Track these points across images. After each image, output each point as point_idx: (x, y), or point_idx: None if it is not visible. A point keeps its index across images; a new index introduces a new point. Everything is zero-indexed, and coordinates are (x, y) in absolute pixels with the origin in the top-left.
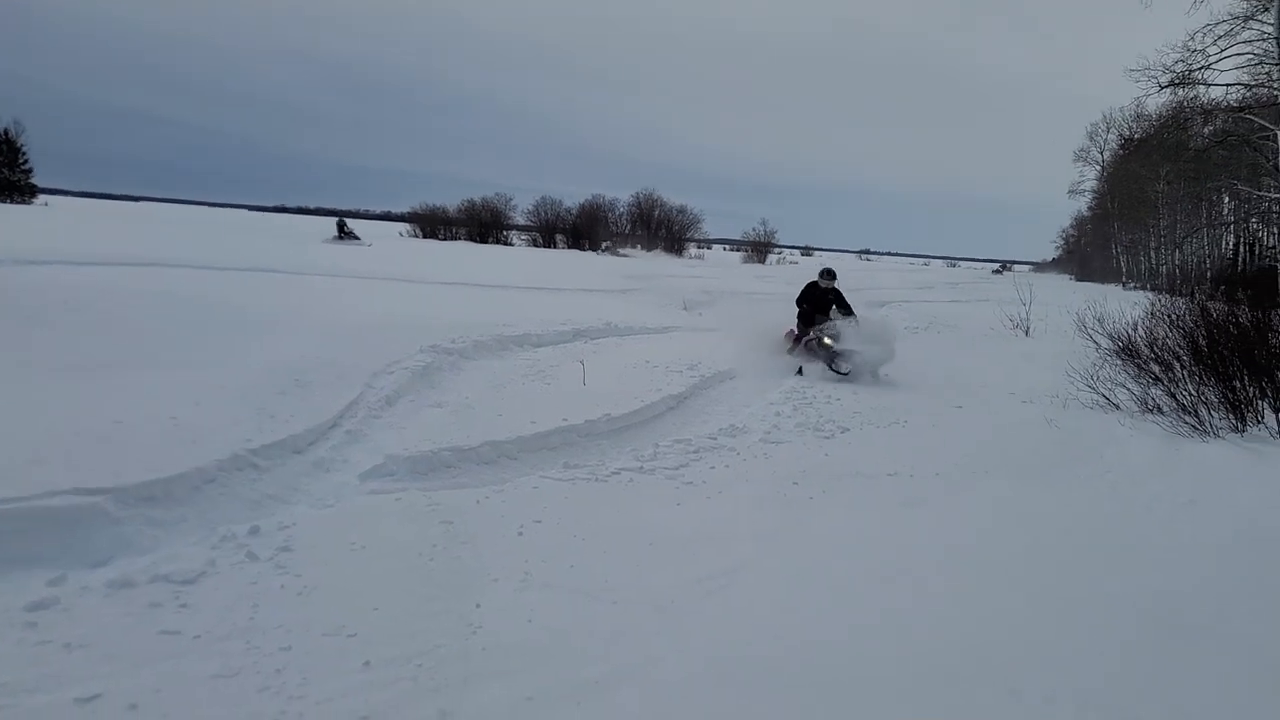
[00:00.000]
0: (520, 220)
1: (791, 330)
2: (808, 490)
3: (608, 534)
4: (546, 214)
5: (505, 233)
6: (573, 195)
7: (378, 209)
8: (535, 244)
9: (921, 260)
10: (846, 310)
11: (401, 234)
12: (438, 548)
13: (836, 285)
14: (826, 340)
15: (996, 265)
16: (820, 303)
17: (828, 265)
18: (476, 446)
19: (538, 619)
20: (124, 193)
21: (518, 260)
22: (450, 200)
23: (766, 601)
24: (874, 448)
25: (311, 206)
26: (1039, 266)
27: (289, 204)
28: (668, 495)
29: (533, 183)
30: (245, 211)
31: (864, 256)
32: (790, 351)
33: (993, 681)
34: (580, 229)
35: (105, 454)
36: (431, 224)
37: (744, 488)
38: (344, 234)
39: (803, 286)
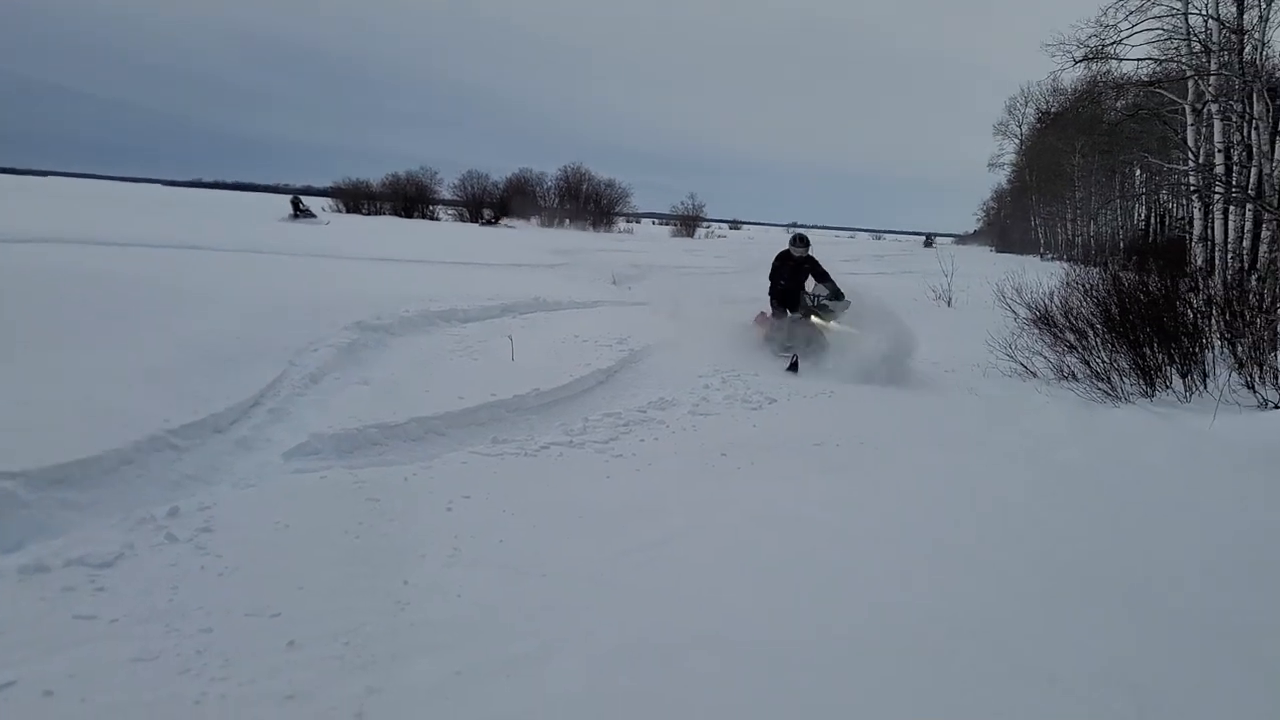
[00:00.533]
0: (446, 195)
1: (763, 314)
2: (735, 461)
3: (537, 508)
4: (473, 188)
5: (431, 207)
6: (500, 170)
7: (298, 183)
8: (462, 219)
9: (848, 233)
10: (829, 284)
11: (324, 209)
12: (364, 525)
13: (811, 253)
14: (815, 319)
15: (925, 237)
16: (793, 277)
17: (799, 231)
18: (403, 423)
19: (467, 594)
20: (26, 167)
21: (444, 235)
22: (374, 175)
23: (696, 573)
24: (801, 418)
25: (229, 181)
26: (961, 238)
27: (205, 178)
28: (597, 469)
29: (460, 157)
30: (160, 186)
31: (792, 229)
32: (766, 340)
33: (918, 647)
34: (507, 203)
35: (14, 437)
36: (355, 199)
37: (673, 460)
38: (300, 212)
39: (771, 261)
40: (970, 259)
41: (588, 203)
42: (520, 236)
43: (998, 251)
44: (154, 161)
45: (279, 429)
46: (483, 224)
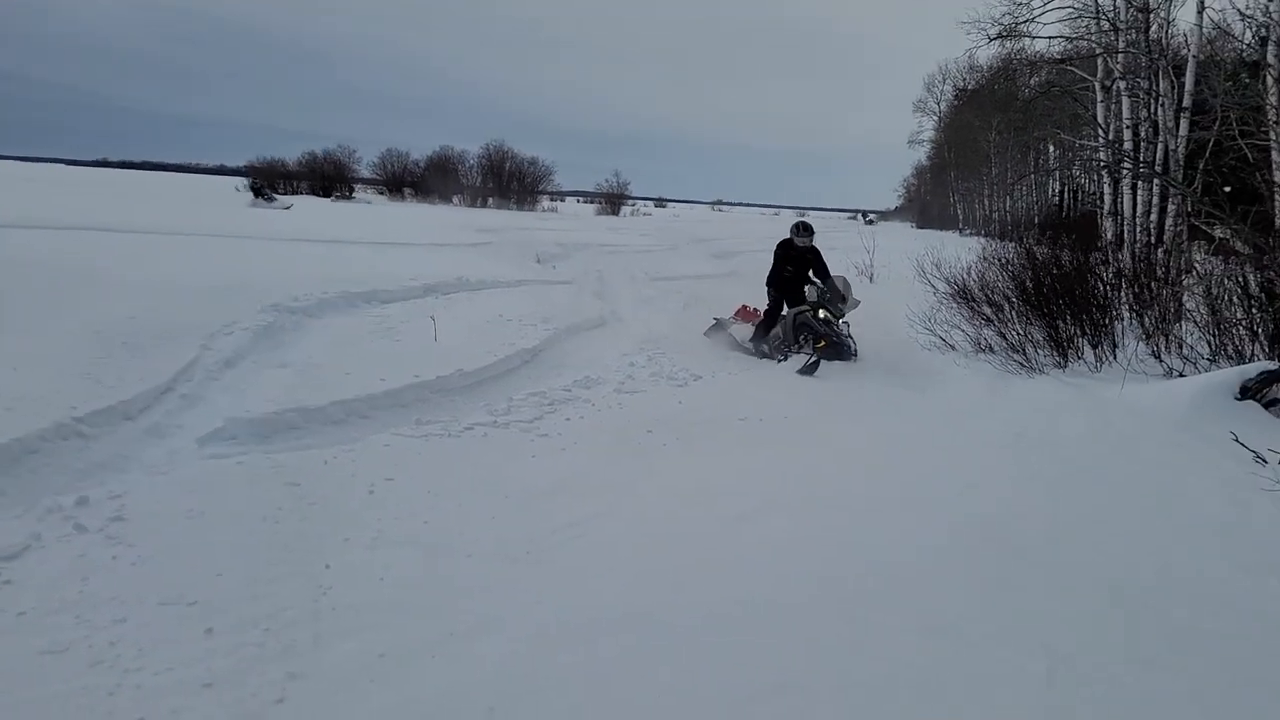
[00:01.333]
0: (366, 173)
1: (747, 308)
2: (661, 438)
3: (462, 489)
4: (393, 166)
5: (350, 186)
6: (421, 148)
7: (210, 162)
8: (382, 198)
9: (773, 210)
10: (829, 282)
11: (238, 189)
12: (284, 510)
13: (815, 243)
14: (825, 313)
15: (864, 215)
16: (798, 268)
17: (802, 219)
18: (324, 406)
19: (391, 576)
20: None
21: (364, 215)
22: (289, 153)
23: (622, 550)
24: (727, 394)
25: (137, 160)
26: (883, 215)
27: (111, 158)
28: (523, 448)
29: (380, 135)
30: (62, 166)
31: (717, 207)
32: (754, 340)
33: (838, 609)
34: (429, 182)
35: None
36: (270, 178)
37: (598, 438)
38: (263, 197)
39: (775, 249)
40: (892, 234)
41: (511, 181)
42: (442, 215)
43: (918, 227)
44: (52, 139)
45: (192, 415)
46: (336, 199)
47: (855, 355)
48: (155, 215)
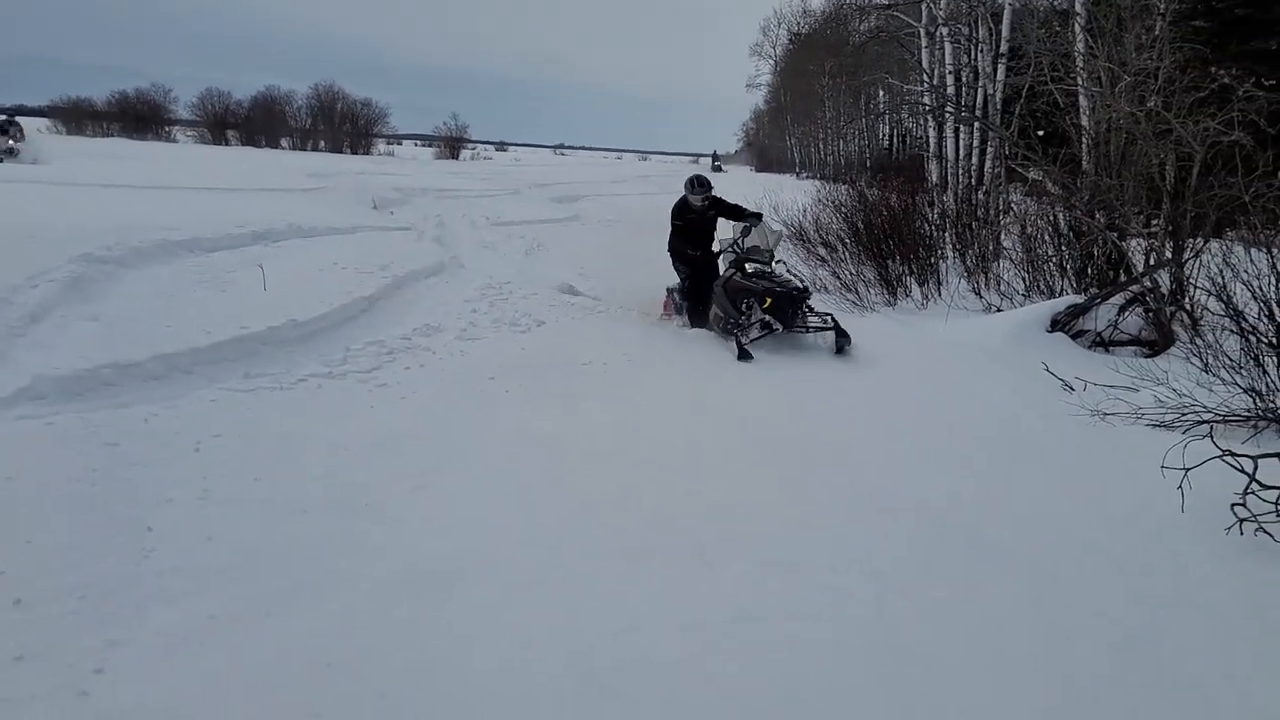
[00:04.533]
0: (184, 115)
1: (670, 300)
2: (503, 384)
3: (295, 443)
4: (214, 107)
5: (168, 128)
6: (244, 88)
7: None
8: (204, 140)
9: (615, 154)
10: (742, 218)
11: (41, 130)
12: (100, 472)
13: (715, 194)
14: (751, 267)
15: (713, 160)
16: (702, 234)
17: (696, 173)
18: (143, 361)
19: (220, 536)
20: None
21: (183, 159)
22: (98, 92)
23: (465, 499)
24: (569, 340)
25: None
26: (723, 159)
27: None
28: (360, 399)
29: (199, 75)
30: None
31: (559, 151)
32: (679, 321)
33: (685, 551)
34: (255, 124)
35: None
36: (77, 118)
37: (439, 387)
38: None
39: (671, 215)
40: (732, 179)
41: (343, 123)
42: (269, 159)
43: (757, 171)
44: None
45: None
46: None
47: (808, 293)
48: None
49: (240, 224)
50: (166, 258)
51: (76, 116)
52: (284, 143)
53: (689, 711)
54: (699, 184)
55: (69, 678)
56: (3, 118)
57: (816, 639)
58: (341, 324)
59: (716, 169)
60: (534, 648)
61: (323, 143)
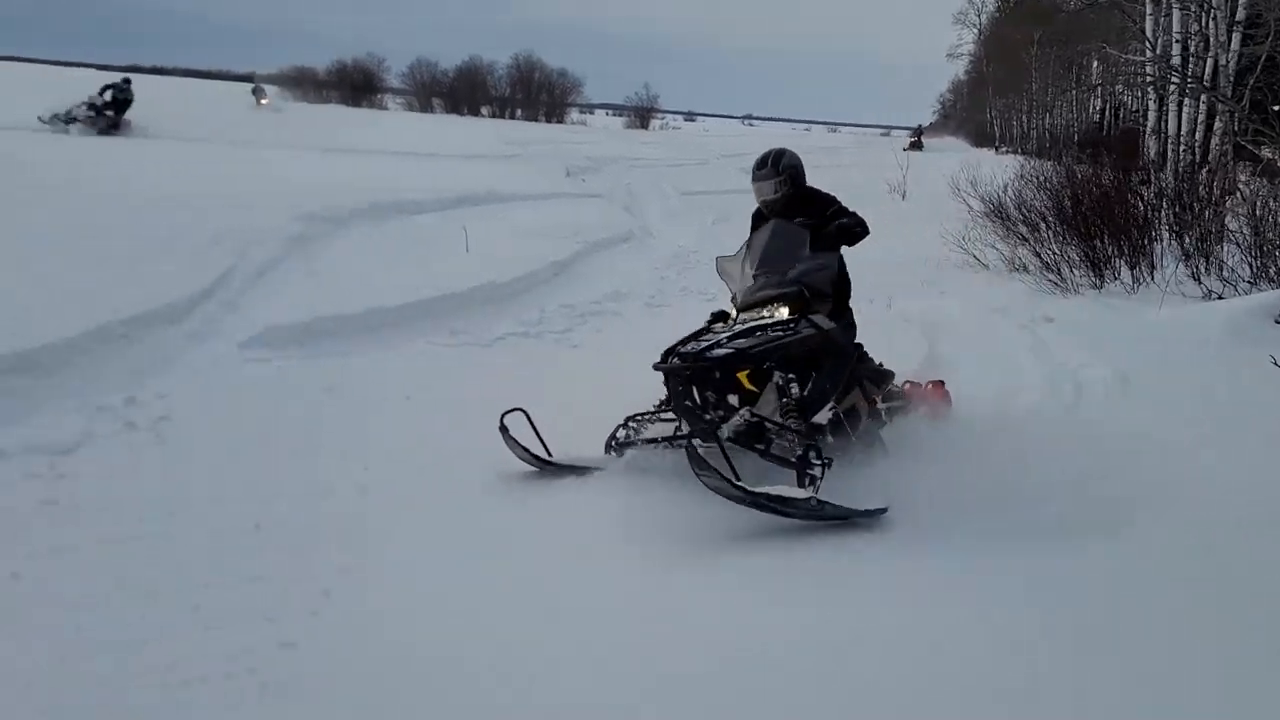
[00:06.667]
0: (395, 84)
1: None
2: None
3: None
4: (422, 76)
5: (379, 96)
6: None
7: (240, 69)
8: (411, 108)
9: (804, 126)
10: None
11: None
12: (321, 414)
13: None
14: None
15: (916, 132)
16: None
17: (769, 149)
18: (360, 314)
19: (429, 477)
20: None
21: (394, 125)
22: (318, 61)
23: None
24: None
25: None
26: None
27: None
28: (556, 357)
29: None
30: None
31: (747, 122)
32: None
33: None
34: (459, 92)
35: None
36: (300, 86)
37: (630, 350)
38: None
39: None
40: (940, 158)
41: (540, 93)
42: (472, 127)
43: (976, 146)
44: (85, 43)
45: (232, 320)
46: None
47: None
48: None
49: (444, 188)
50: (379, 219)
51: (299, 84)
52: (484, 110)
53: None
54: (766, 162)
55: (302, 599)
56: (119, 80)
57: None
58: (535, 286)
59: (915, 145)
60: None
61: (520, 111)
